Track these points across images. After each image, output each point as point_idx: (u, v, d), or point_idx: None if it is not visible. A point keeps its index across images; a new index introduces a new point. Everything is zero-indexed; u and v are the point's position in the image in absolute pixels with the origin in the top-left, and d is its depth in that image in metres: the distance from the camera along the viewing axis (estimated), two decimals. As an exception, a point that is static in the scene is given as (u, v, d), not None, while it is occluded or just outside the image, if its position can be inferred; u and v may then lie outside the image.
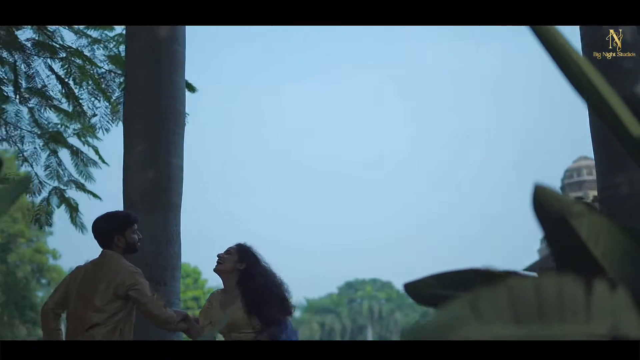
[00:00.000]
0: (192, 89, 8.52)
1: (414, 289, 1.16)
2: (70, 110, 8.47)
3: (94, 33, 8.82)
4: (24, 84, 7.73)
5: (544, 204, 0.94)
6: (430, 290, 1.14)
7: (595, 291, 0.83)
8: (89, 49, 8.68)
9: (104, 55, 8.52)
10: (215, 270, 4.66)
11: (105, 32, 8.71)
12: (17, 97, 7.54)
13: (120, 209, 5.80)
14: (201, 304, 49.93)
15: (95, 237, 4.72)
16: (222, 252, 4.68)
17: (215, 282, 53.85)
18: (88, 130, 8.70)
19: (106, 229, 4.67)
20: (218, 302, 4.59)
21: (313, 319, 70.35)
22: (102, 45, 8.73)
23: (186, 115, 8.67)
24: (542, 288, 0.83)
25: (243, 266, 4.56)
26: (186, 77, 8.51)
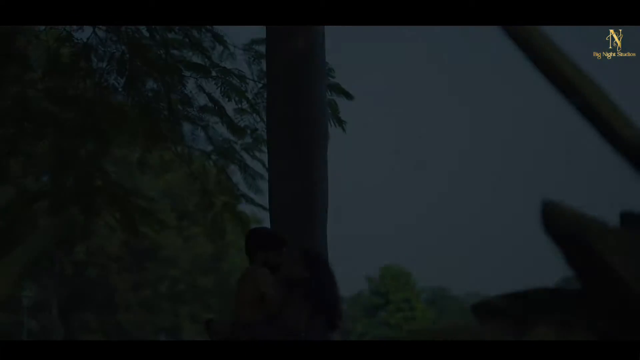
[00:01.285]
0: (348, 96, 8.39)
1: (480, 309, 1.04)
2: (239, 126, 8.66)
3: (261, 48, 8.96)
4: (179, 103, 8.01)
5: (556, 223, 0.84)
6: (498, 311, 1.03)
7: (536, 337, 0.78)
8: (256, 63, 8.81)
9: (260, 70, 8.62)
10: (280, 278, 4.45)
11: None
12: (171, 116, 7.82)
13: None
14: (412, 305, 49.96)
15: (245, 246, 4.78)
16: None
17: (426, 282, 53.68)
18: (255, 145, 8.85)
19: (253, 243, 4.73)
20: None
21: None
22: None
23: (344, 122, 8.62)
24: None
25: (308, 274, 4.27)
26: (342, 85, 8.52)
